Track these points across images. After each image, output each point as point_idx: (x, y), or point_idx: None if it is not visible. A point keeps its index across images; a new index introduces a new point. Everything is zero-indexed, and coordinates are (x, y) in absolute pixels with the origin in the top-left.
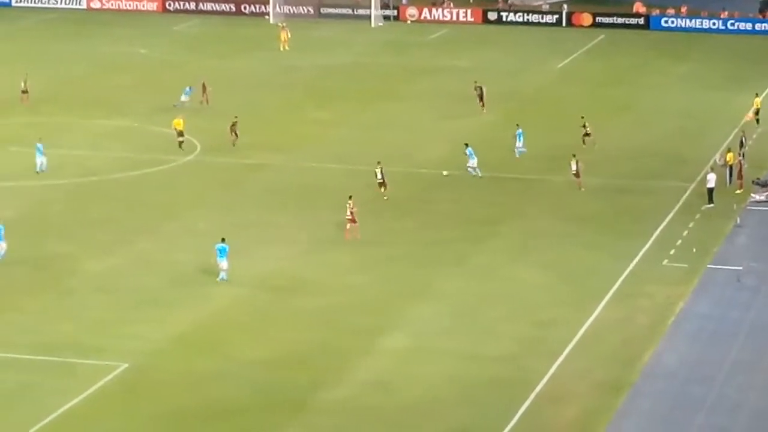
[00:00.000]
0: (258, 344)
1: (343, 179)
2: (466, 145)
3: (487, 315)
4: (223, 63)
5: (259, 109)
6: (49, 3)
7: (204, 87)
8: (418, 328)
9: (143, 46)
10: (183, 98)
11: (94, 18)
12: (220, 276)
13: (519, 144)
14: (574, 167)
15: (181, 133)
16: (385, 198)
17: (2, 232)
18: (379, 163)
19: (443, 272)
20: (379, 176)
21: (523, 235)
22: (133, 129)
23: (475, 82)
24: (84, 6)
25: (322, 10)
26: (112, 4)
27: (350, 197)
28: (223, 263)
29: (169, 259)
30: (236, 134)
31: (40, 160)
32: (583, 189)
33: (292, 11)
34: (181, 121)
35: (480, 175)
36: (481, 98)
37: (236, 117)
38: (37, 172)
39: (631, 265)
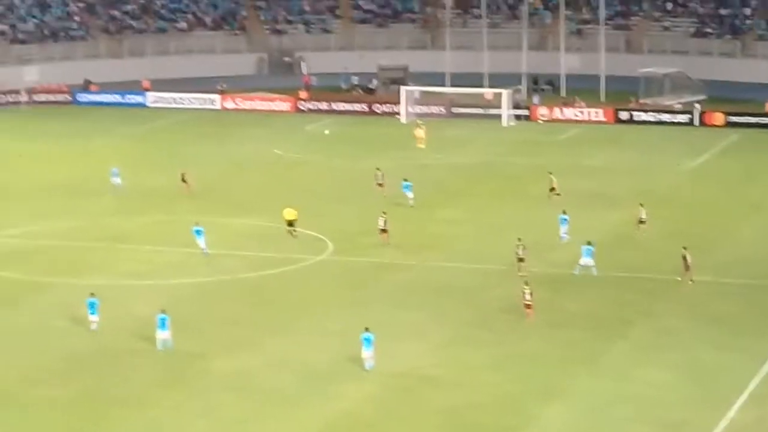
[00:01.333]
0: None
1: (474, 278)
2: (589, 243)
3: (618, 415)
4: (355, 162)
5: (392, 207)
6: (183, 103)
7: (381, 183)
8: (549, 427)
9: (276, 146)
10: (410, 195)
11: (227, 118)
12: (367, 365)
13: (563, 230)
14: (689, 258)
15: (290, 223)
16: (520, 274)
17: (167, 322)
18: (520, 239)
19: (573, 371)
20: (521, 253)
21: (654, 334)
22: (266, 228)
23: (549, 173)
24: (218, 106)
25: (453, 110)
26: (245, 105)
27: (526, 283)
28: (369, 352)
29: (300, 358)
30: (386, 231)
31: (202, 243)
32: (691, 282)
33: (424, 111)
34: (294, 211)
35: (576, 272)
36: (552, 188)
37: (385, 213)
38: (206, 254)
39: (765, 366)
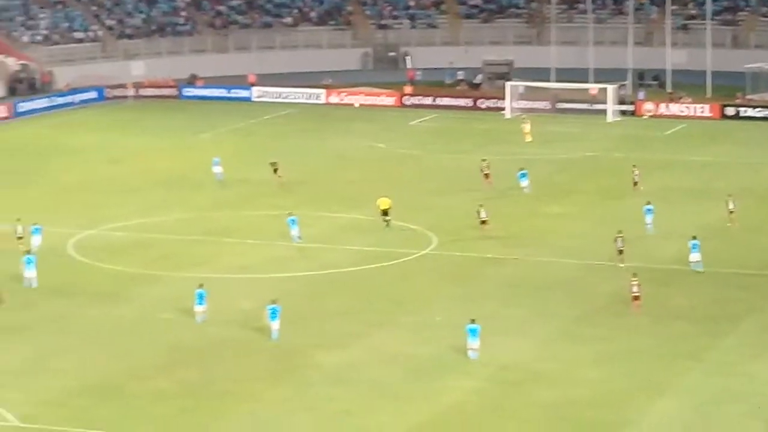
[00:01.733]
0: None
1: (579, 274)
2: (694, 237)
3: (727, 411)
4: (459, 157)
5: (495, 203)
6: (288, 98)
7: (487, 174)
8: (655, 423)
9: (381, 141)
10: (524, 184)
11: (332, 113)
12: (471, 355)
13: (648, 220)
14: None
15: (385, 212)
16: (620, 266)
17: (278, 313)
18: (620, 232)
19: (680, 367)
20: (620, 245)
21: (761, 330)
22: (370, 222)
23: (633, 166)
24: (322, 101)
25: (558, 105)
26: (350, 99)
27: (634, 274)
28: (474, 343)
29: (406, 352)
30: (486, 222)
31: (295, 232)
32: None
33: (528, 106)
34: (388, 200)
35: (702, 270)
36: (635, 182)
37: (481, 205)
38: (299, 241)
39: None
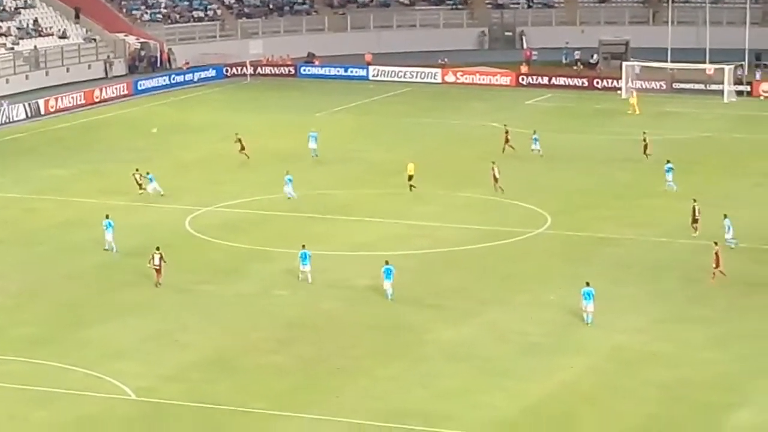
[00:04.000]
0: (606, 418)
1: (693, 255)
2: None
3: None
4: (571, 137)
5: (609, 183)
6: (404, 77)
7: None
8: None
9: (495, 120)
10: (535, 146)
11: (447, 92)
12: (587, 318)
13: (669, 178)
14: None
15: (410, 177)
16: (693, 235)
17: (392, 273)
18: (695, 200)
19: None
20: (697, 213)
21: None
22: (483, 201)
23: (644, 132)
24: (438, 80)
25: (674, 86)
26: (465, 79)
27: (716, 243)
28: (590, 306)
29: (519, 330)
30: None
31: (289, 189)
32: None
33: (644, 86)
34: (413, 166)
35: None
36: (645, 146)
37: (494, 162)
38: (288, 198)
39: None
